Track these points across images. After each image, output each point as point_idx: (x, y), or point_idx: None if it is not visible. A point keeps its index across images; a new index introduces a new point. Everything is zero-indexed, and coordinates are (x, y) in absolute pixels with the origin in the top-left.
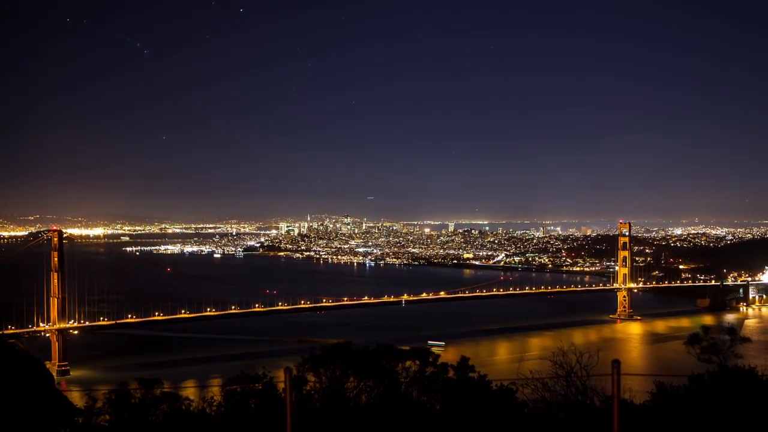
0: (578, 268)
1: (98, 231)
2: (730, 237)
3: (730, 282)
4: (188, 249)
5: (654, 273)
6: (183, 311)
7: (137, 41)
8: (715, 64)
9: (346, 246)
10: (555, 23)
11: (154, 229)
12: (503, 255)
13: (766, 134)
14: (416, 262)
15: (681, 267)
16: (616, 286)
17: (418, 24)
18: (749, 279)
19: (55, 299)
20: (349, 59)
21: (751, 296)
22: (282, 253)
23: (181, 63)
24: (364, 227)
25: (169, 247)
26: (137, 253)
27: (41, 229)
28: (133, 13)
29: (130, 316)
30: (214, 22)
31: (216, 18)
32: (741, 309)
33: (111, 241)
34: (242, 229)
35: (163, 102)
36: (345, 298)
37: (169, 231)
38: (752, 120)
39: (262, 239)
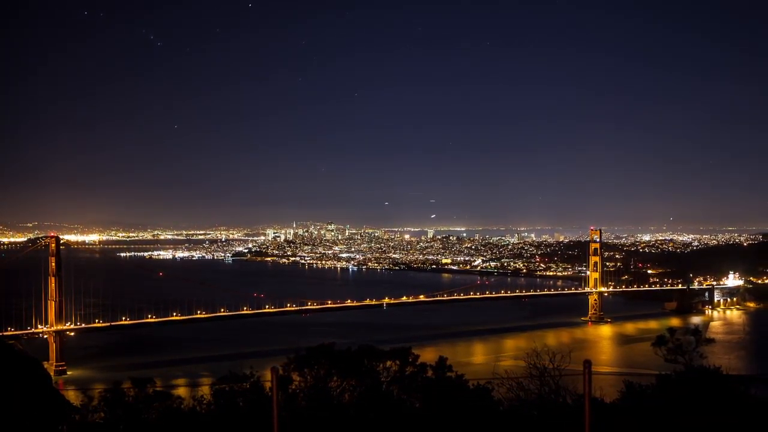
0: (551, 273)
1: (94, 237)
2: (696, 243)
3: (696, 286)
4: (179, 254)
5: (624, 277)
6: (174, 314)
7: (150, 33)
8: (675, 78)
9: (329, 252)
10: (531, 41)
11: (147, 235)
12: (480, 260)
13: (728, 145)
14: (397, 267)
15: (649, 272)
16: (587, 289)
17: (399, 39)
18: (714, 283)
19: (53, 302)
20: (334, 73)
21: (716, 299)
22: (269, 259)
23: (184, 68)
24: (347, 234)
25: (161, 252)
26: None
27: (39, 236)
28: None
29: (124, 318)
30: (219, 20)
31: (223, 16)
32: (706, 312)
33: (106, 247)
34: (231, 236)
35: (156, 113)
36: (329, 301)
37: (161, 237)
38: (713, 131)
39: (250, 245)
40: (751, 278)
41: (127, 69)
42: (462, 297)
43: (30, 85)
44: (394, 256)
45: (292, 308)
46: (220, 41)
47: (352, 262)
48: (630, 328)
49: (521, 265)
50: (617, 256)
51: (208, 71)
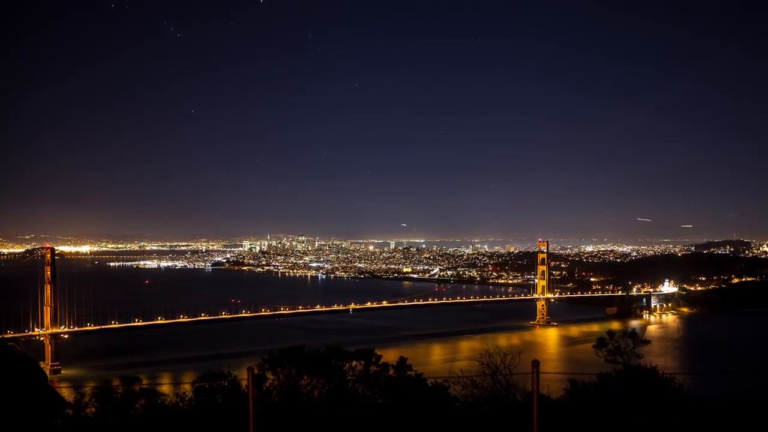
0: (503, 281)
1: (86, 248)
2: (634, 253)
3: (634, 292)
4: (164, 264)
5: (568, 285)
6: (159, 318)
7: (171, 26)
8: (598, 99)
9: (300, 261)
10: (482, 70)
11: (134, 246)
12: (437, 269)
13: (660, 164)
14: (362, 275)
15: (592, 279)
16: (535, 296)
17: (354, 72)
18: (651, 290)
19: (48, 307)
20: (304, 100)
21: (653, 305)
22: (245, 268)
23: (182, 79)
24: (316, 245)
25: (147, 262)
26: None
27: (36, 247)
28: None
29: (113, 322)
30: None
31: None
32: (644, 316)
33: (97, 257)
34: (211, 247)
35: (148, 133)
36: (300, 307)
37: (147, 248)
38: (640, 149)
39: (228, 255)
40: (684, 286)
41: (117, 97)
42: (421, 303)
43: (30, 109)
44: (359, 265)
45: (267, 313)
46: (211, 68)
47: (321, 271)
48: (574, 331)
49: (475, 274)
50: (563, 265)
51: (194, 94)
